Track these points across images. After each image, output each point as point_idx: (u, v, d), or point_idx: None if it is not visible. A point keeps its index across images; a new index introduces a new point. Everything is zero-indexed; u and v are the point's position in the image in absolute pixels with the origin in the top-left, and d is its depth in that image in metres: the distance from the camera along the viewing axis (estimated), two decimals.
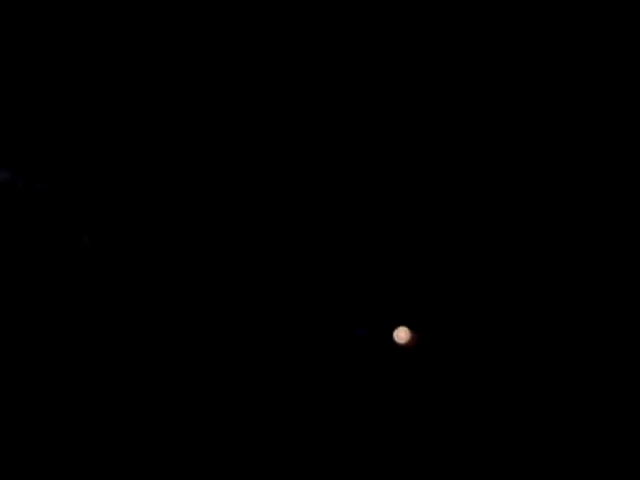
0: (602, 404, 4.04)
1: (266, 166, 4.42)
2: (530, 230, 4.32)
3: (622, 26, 4.13)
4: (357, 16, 4.27)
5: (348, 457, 3.97)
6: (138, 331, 4.20)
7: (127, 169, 4.36)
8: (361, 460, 3.97)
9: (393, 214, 4.39)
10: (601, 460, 3.91)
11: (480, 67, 4.29)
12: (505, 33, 4.23)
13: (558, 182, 4.32)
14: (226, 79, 4.38)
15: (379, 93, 4.37)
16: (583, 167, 4.30)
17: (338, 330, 4.26)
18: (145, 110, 4.36)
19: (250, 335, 4.24)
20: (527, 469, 3.95)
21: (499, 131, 4.36)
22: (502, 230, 4.33)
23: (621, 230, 4.27)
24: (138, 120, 4.37)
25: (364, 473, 3.94)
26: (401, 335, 4.20)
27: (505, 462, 3.96)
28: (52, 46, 4.32)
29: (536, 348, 4.18)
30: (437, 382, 4.16)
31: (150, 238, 4.33)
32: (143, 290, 4.26)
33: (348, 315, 4.28)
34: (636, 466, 3.86)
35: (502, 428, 4.03)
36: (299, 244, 4.36)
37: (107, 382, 4.06)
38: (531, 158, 4.35)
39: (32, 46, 4.31)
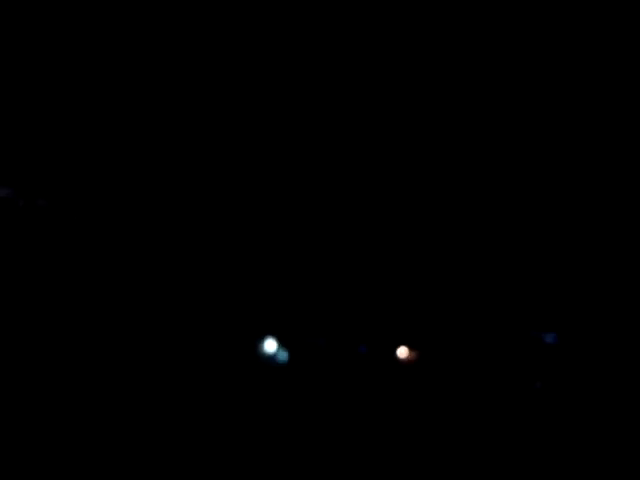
0: (603, 417, 4.04)
1: (264, 169, 4.43)
2: (529, 241, 4.31)
3: (622, 26, 4.13)
4: (357, 16, 4.28)
5: (348, 463, 3.97)
6: (135, 335, 4.22)
7: (122, 185, 4.39)
8: (359, 468, 3.97)
9: (394, 228, 4.39)
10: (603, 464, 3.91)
11: (480, 67, 4.30)
12: (505, 33, 4.24)
13: (558, 183, 4.32)
14: (226, 80, 4.40)
15: (379, 94, 4.38)
16: (583, 167, 4.30)
17: (340, 346, 4.27)
18: (138, 130, 4.39)
19: (251, 346, 4.26)
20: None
21: (499, 132, 4.36)
22: (501, 243, 4.33)
23: (621, 233, 4.25)
24: (133, 143, 4.40)
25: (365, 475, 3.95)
26: (402, 352, 4.21)
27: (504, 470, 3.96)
28: (51, 69, 4.36)
29: (536, 361, 4.18)
30: (436, 397, 4.16)
31: (145, 249, 4.36)
32: (139, 301, 4.29)
33: (350, 331, 4.29)
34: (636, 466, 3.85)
35: (500, 438, 4.04)
36: (302, 258, 4.37)
37: (105, 381, 4.08)
38: (531, 159, 4.35)
39: (32, 70, 4.36)
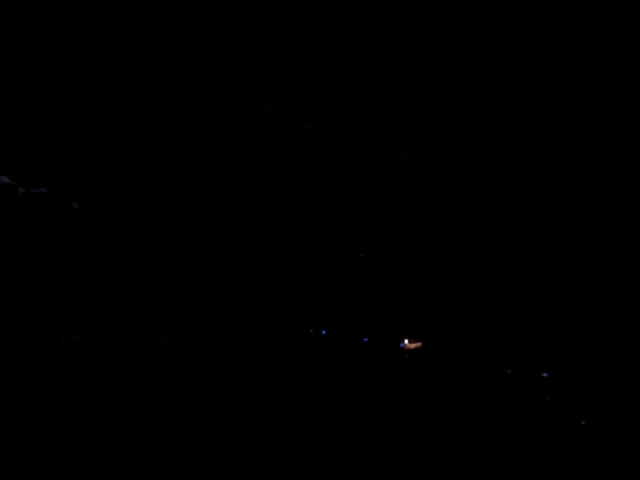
0: (605, 410, 4.04)
1: (264, 170, 4.43)
2: (532, 238, 4.32)
3: (622, 26, 4.15)
4: (358, 17, 4.29)
5: (349, 457, 3.97)
6: (136, 331, 4.22)
7: (124, 174, 4.39)
8: (362, 460, 3.97)
9: (396, 223, 4.40)
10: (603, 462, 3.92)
11: (480, 68, 4.31)
12: (505, 33, 4.25)
13: (558, 184, 4.33)
14: (226, 82, 4.40)
15: (379, 94, 4.39)
16: (583, 167, 4.31)
17: (344, 336, 4.28)
18: (140, 121, 4.39)
19: (255, 339, 4.26)
20: (528, 471, 3.95)
21: (499, 133, 4.37)
22: (503, 240, 4.33)
23: (621, 234, 4.27)
24: (134, 129, 4.40)
25: (366, 473, 3.95)
26: (406, 343, 4.23)
27: (506, 465, 3.96)
28: (52, 56, 4.36)
29: (540, 355, 4.19)
30: (439, 388, 4.17)
31: (147, 240, 4.36)
32: (140, 292, 4.29)
33: (354, 322, 4.30)
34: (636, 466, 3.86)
35: (502, 433, 4.04)
36: (305, 253, 4.38)
37: (106, 380, 4.08)
38: (531, 160, 4.36)
39: (32, 57, 4.35)
